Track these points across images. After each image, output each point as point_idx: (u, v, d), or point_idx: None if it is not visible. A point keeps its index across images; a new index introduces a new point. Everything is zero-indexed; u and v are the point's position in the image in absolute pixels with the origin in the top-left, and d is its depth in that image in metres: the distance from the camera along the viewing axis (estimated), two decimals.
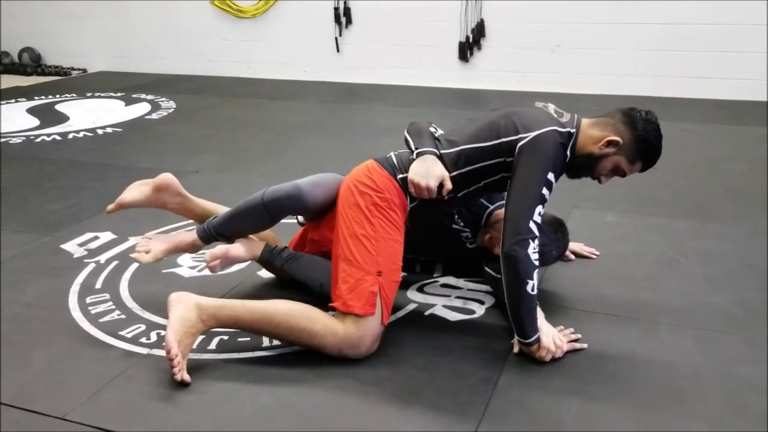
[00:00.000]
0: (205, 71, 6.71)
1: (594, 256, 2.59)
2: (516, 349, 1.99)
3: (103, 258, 2.71)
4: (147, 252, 2.25)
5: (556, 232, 2.27)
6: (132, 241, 2.85)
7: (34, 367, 1.99)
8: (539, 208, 1.93)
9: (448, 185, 2.02)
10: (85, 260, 2.69)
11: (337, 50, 6.22)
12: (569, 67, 5.59)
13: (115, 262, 2.67)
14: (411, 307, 2.26)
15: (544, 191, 1.94)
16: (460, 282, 2.41)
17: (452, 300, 2.29)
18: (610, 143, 2.01)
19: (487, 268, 2.34)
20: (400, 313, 2.22)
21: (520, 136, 1.99)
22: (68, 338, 2.15)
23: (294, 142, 4.37)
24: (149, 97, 5.83)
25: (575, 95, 5.35)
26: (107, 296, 2.41)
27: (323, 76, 6.31)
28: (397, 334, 2.10)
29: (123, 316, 2.27)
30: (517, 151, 1.98)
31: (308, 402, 1.80)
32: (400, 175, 2.10)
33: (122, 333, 2.16)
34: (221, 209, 2.41)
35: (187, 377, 1.87)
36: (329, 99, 5.69)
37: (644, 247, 2.69)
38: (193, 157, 4.09)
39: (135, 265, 2.64)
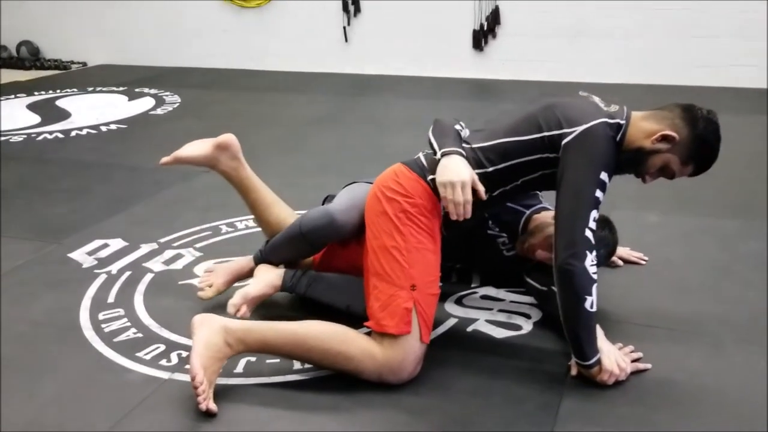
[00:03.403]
0: (209, 64, 6.50)
1: (643, 262, 2.41)
2: (574, 371, 1.81)
3: (114, 268, 2.53)
4: (210, 286, 2.18)
5: (602, 229, 2.07)
6: (144, 248, 2.67)
7: (44, 395, 1.82)
8: (594, 214, 1.74)
9: (480, 188, 1.82)
10: (95, 270, 2.51)
11: (346, 40, 6.01)
12: (589, 56, 5.39)
13: (127, 273, 2.49)
14: (451, 322, 2.09)
15: (598, 194, 1.75)
16: (501, 293, 2.23)
17: (495, 314, 2.12)
18: (664, 138, 1.81)
19: (528, 279, 2.17)
20: (441, 329, 2.05)
21: (565, 131, 1.78)
22: (81, 361, 1.97)
23: (308, 138, 4.19)
24: (152, 91, 5.63)
25: (596, 85, 5.14)
26: (121, 311, 2.23)
27: (331, 67, 6.11)
28: (439, 354, 1.93)
29: (140, 335, 2.09)
30: (562, 148, 1.78)
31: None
32: (430, 176, 1.88)
33: (140, 354, 1.99)
34: (269, 193, 2.38)
35: (213, 407, 1.70)
36: (339, 91, 5.50)
37: (694, 251, 2.51)
38: None
39: (149, 276, 2.46)
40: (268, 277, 2.12)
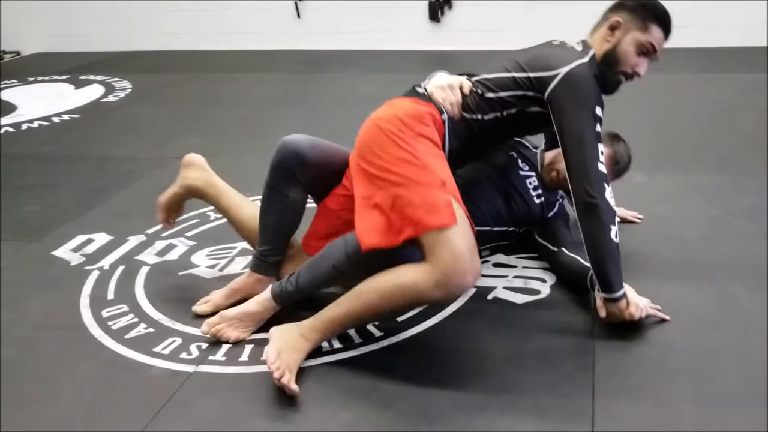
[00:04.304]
0: (156, 46, 6.27)
1: (638, 220, 2.46)
2: (603, 313, 1.84)
3: (106, 263, 2.43)
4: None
5: (618, 142, 2.25)
6: (132, 241, 2.58)
7: (66, 399, 1.74)
8: (600, 147, 1.83)
9: (466, 84, 1.93)
10: (86, 267, 2.41)
11: (298, 16, 5.89)
12: (545, 23, 5.43)
13: (121, 267, 2.39)
14: (471, 291, 2.08)
15: (598, 128, 1.84)
16: (512, 260, 2.25)
17: (511, 280, 2.13)
18: (613, 28, 1.92)
19: (539, 239, 2.21)
20: (463, 299, 2.04)
21: (547, 74, 1.86)
22: (95, 361, 1.89)
23: (276, 118, 4.10)
24: (99, 78, 5.40)
25: None
26: (125, 307, 2.15)
27: (285, 44, 5.98)
28: (466, 324, 1.94)
29: (151, 330, 2.02)
30: (549, 96, 1.85)
31: (398, 410, 1.62)
32: (421, 90, 1.96)
33: (157, 350, 1.92)
34: (237, 194, 2.28)
35: (294, 387, 1.65)
36: (297, 69, 5.39)
37: (686, 207, 2.58)
38: (170, 141, 3.77)
39: (145, 269, 2.38)
40: (259, 299, 1.96)
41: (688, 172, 2.89)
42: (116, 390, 1.77)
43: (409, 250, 1.99)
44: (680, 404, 1.58)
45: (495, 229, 2.20)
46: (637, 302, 1.83)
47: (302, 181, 1.99)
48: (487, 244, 2.24)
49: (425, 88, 1.96)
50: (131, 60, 6.02)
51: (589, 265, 1.86)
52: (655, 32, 1.91)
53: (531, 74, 1.88)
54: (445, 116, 1.91)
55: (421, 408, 1.63)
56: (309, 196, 2.09)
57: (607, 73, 1.92)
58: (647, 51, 1.92)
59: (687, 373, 1.69)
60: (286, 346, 1.71)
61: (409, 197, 1.68)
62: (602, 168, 1.81)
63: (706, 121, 3.53)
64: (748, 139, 3.24)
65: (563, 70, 1.84)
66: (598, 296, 1.85)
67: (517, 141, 2.35)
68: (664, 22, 1.92)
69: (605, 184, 1.80)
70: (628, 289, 1.84)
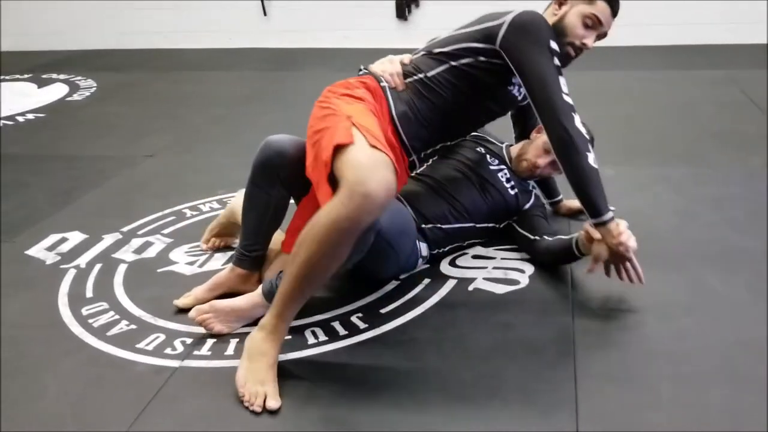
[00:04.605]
0: (119, 45, 6.18)
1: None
2: (591, 267, 1.92)
3: (82, 262, 2.40)
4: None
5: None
6: (107, 239, 2.55)
7: (50, 396, 1.72)
8: (561, 80, 1.87)
9: (408, 56, 2.05)
10: (62, 266, 2.38)
11: (264, 13, 5.86)
12: None
13: (98, 265, 2.37)
14: (452, 283, 2.12)
15: (556, 61, 1.88)
16: (490, 251, 2.29)
17: (491, 271, 2.17)
18: (560, 2, 1.99)
19: (518, 228, 2.27)
20: (443, 291, 2.08)
21: (494, 23, 1.93)
22: (78, 359, 1.88)
23: (248, 116, 4.08)
24: (62, 77, 5.30)
25: None
26: (105, 305, 2.13)
27: (251, 42, 5.94)
28: (449, 314, 1.97)
29: (133, 327, 2.01)
30: (500, 42, 1.91)
31: (386, 399, 1.65)
32: (363, 71, 2.05)
33: (140, 346, 1.91)
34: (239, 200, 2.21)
35: (272, 404, 1.63)
36: (265, 67, 5.37)
37: (655, 197, 2.66)
38: (140, 139, 3.73)
39: (122, 267, 2.36)
40: (247, 296, 1.98)
41: (655, 165, 2.98)
42: (101, 387, 1.76)
43: (405, 250, 2.03)
44: (659, 384, 1.64)
45: (478, 225, 2.24)
46: (624, 228, 1.88)
47: (285, 179, 2.00)
48: (471, 239, 2.28)
49: (367, 68, 2.05)
50: (94, 58, 5.92)
51: (569, 236, 1.94)
52: (600, 5, 1.97)
53: (479, 26, 1.97)
54: (384, 84, 1.98)
55: (409, 396, 1.65)
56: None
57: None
58: (593, 23, 1.98)
59: (664, 354, 1.75)
60: (252, 362, 1.68)
61: (323, 141, 1.73)
62: (567, 99, 1.86)
63: (670, 116, 3.63)
64: (710, 133, 3.34)
65: (509, 17, 1.92)
66: (588, 225, 1.92)
67: (483, 137, 2.40)
68: None
69: (573, 114, 1.85)
70: (620, 221, 1.90)
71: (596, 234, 1.90)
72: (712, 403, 1.57)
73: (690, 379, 1.66)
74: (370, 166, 1.60)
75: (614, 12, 2.00)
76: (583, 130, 1.86)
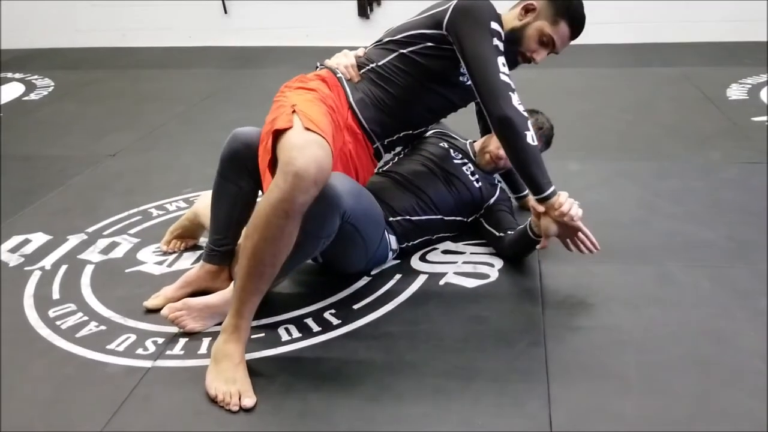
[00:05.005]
0: (74, 43, 6.04)
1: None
2: (543, 243, 1.98)
3: (47, 263, 2.36)
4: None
5: (537, 113, 2.37)
6: (72, 240, 2.51)
7: (20, 399, 1.70)
8: (500, 59, 1.90)
9: (362, 49, 2.12)
10: (26, 268, 2.33)
11: (225, 11, 5.81)
12: None
13: (64, 266, 2.33)
14: (423, 278, 2.14)
15: (495, 42, 1.91)
16: (460, 246, 2.32)
17: (461, 266, 2.20)
18: (526, 10, 2.02)
19: (486, 225, 2.30)
20: (415, 286, 2.10)
21: (442, 8, 1.98)
22: (47, 361, 1.85)
23: (210, 114, 4.04)
24: (18, 75, 5.17)
25: None
26: (73, 306, 2.10)
27: (211, 40, 5.87)
28: (422, 308, 1.99)
29: (103, 328, 1.98)
30: (446, 25, 1.95)
31: (361, 393, 1.66)
32: (320, 67, 2.12)
33: (111, 347, 1.89)
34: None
35: (246, 403, 1.62)
36: (226, 65, 5.32)
37: (617, 191, 2.72)
38: (101, 138, 3.67)
39: (89, 268, 2.33)
40: (221, 292, 1.98)
41: (616, 160, 3.04)
42: (73, 389, 1.73)
43: (373, 238, 2.04)
44: (628, 372, 1.69)
45: (446, 218, 2.27)
46: (565, 198, 1.92)
47: (253, 170, 2.00)
48: (440, 233, 2.30)
49: (323, 63, 2.12)
50: (50, 57, 5.79)
51: (525, 224, 2.03)
52: (563, 29, 2.01)
53: (428, 13, 2.03)
54: (339, 75, 2.04)
55: (384, 389, 1.67)
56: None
57: (507, 48, 1.98)
58: (547, 43, 2.03)
59: (631, 343, 1.80)
60: (218, 365, 1.68)
61: (269, 130, 1.77)
62: (505, 78, 1.88)
63: (629, 113, 3.71)
64: (668, 128, 3.43)
65: (454, 1, 1.96)
66: (532, 201, 1.97)
67: (446, 134, 2.45)
68: (574, 21, 2.02)
69: (511, 93, 1.88)
70: (562, 192, 1.94)
71: (540, 208, 1.95)
72: (679, 390, 1.62)
73: (657, 367, 1.70)
74: (300, 146, 1.65)
75: (573, 36, 2.05)
76: (521, 109, 1.88)
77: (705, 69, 4.49)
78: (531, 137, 1.88)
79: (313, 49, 5.65)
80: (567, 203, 1.91)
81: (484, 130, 2.49)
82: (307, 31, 5.71)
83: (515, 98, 1.88)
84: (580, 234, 1.96)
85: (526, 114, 1.89)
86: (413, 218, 2.20)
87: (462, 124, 2.54)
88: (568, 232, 1.96)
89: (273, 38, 5.77)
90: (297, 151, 1.63)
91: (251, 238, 1.66)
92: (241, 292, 1.70)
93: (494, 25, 1.92)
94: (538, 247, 2.04)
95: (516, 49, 2.03)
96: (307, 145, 1.65)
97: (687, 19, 5.26)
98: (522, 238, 2.10)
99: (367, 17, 5.55)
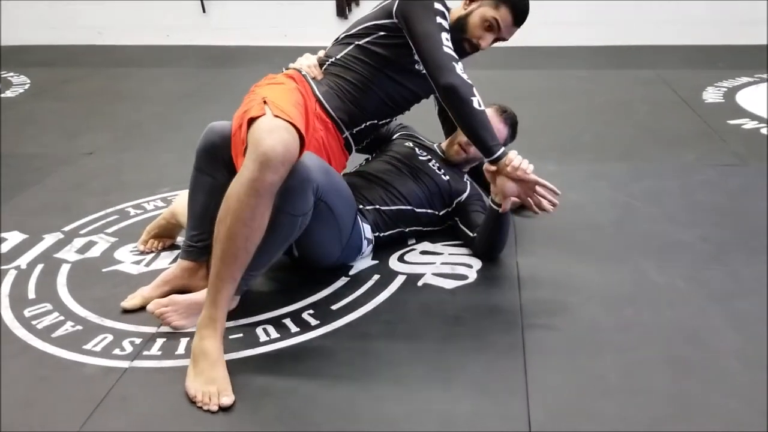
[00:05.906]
0: (50, 41, 5.97)
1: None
2: (504, 206, 2.04)
3: (22, 262, 2.33)
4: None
5: (504, 111, 2.43)
6: (48, 239, 2.48)
7: None
8: (444, 35, 2.00)
9: (321, 52, 2.24)
10: (1, 267, 2.30)
11: (203, 10, 5.77)
12: None
13: (40, 266, 2.31)
14: (401, 279, 2.15)
15: (439, 20, 2.02)
16: (438, 247, 2.33)
17: (439, 267, 2.21)
18: (470, 0, 2.13)
19: (461, 226, 2.31)
20: (394, 286, 2.11)
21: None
22: (23, 361, 1.83)
23: (188, 113, 4.02)
24: None
25: None
26: (49, 306, 2.08)
27: (189, 39, 5.84)
28: (400, 308, 2.00)
29: (79, 327, 1.96)
30: (395, 11, 2.05)
31: (340, 393, 1.66)
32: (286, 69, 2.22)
33: (87, 347, 1.87)
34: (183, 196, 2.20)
35: (225, 402, 1.62)
36: (204, 64, 5.29)
37: (594, 193, 2.74)
38: (78, 137, 3.63)
39: (65, 267, 2.30)
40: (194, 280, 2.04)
41: (593, 161, 3.07)
42: (49, 389, 1.72)
43: (345, 219, 2.05)
44: (606, 372, 1.71)
45: (417, 210, 2.28)
46: (515, 156, 1.98)
47: (228, 161, 1.99)
48: (411, 226, 2.31)
49: (288, 66, 2.23)
50: (25, 54, 5.71)
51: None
52: (503, 12, 2.10)
53: (379, 6, 2.14)
54: (304, 72, 2.16)
55: (363, 390, 1.67)
56: None
57: (453, 38, 2.06)
58: (492, 27, 2.11)
59: (609, 344, 1.82)
60: (197, 366, 1.68)
61: (240, 122, 1.85)
62: (449, 51, 1.98)
63: (605, 114, 3.76)
64: (644, 129, 3.47)
65: None
66: (486, 165, 2.03)
67: (413, 135, 2.51)
68: (515, 6, 2.10)
69: (454, 63, 1.97)
70: (511, 151, 2.00)
71: (492, 168, 2.01)
72: (656, 390, 1.64)
73: (635, 367, 1.72)
74: (268, 129, 1.71)
75: (516, 21, 2.12)
76: (465, 77, 1.96)
77: (681, 72, 4.56)
78: (477, 102, 1.96)
79: (291, 49, 5.63)
80: (517, 159, 1.98)
81: (449, 132, 2.51)
82: (285, 31, 5.70)
83: (459, 67, 1.97)
84: (538, 188, 1.99)
85: (470, 82, 1.97)
86: (383, 208, 2.24)
87: (433, 127, 2.56)
88: (525, 188, 2.00)
89: (251, 38, 5.75)
90: (264, 133, 1.70)
91: (224, 222, 1.71)
92: (215, 279, 1.72)
93: (438, 6, 2.03)
94: (500, 210, 2.07)
95: (462, 37, 2.12)
96: (276, 129, 1.72)
97: (663, 21, 5.32)
98: (488, 217, 2.15)
99: (346, 17, 5.55)
